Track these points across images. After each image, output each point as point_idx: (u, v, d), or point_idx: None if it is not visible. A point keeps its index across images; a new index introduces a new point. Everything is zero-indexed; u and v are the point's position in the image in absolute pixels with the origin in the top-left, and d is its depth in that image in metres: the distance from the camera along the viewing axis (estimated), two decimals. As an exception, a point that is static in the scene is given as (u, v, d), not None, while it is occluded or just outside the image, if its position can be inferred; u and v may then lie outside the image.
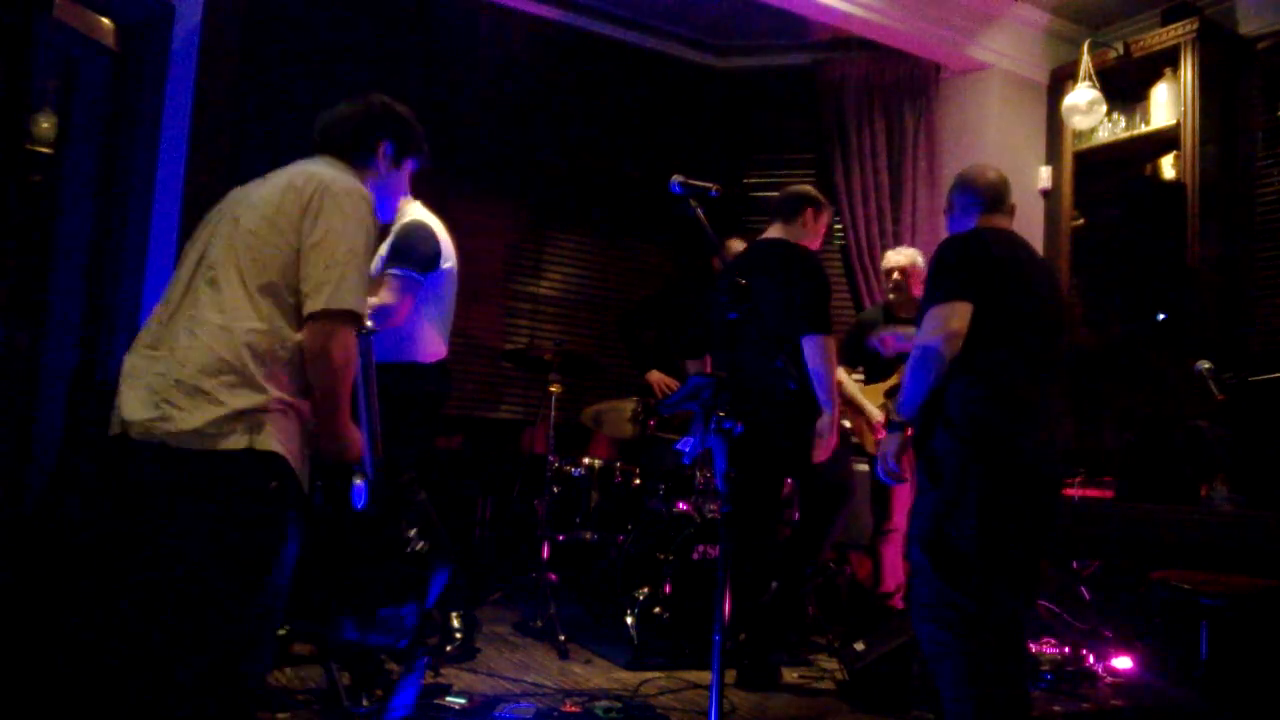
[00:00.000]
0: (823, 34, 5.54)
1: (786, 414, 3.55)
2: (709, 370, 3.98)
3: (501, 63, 5.38)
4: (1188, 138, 4.47)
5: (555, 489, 4.31)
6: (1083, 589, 4.08)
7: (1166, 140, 4.62)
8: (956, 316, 2.46)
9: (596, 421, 4.58)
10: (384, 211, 2.22)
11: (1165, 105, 4.64)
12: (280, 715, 2.85)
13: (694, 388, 2.98)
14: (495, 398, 5.41)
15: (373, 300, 3.19)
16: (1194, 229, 4.41)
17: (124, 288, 3.47)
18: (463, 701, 3.00)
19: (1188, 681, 3.46)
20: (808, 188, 3.93)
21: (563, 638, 3.84)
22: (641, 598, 3.80)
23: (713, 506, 4.05)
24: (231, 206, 1.95)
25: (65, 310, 3.32)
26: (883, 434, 4.04)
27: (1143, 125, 4.77)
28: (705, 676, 3.08)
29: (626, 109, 5.80)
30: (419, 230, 3.35)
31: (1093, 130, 4.89)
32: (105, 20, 3.39)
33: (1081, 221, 4.96)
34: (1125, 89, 4.82)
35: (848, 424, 4.33)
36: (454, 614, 3.63)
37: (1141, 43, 4.72)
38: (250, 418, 1.78)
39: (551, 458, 4.23)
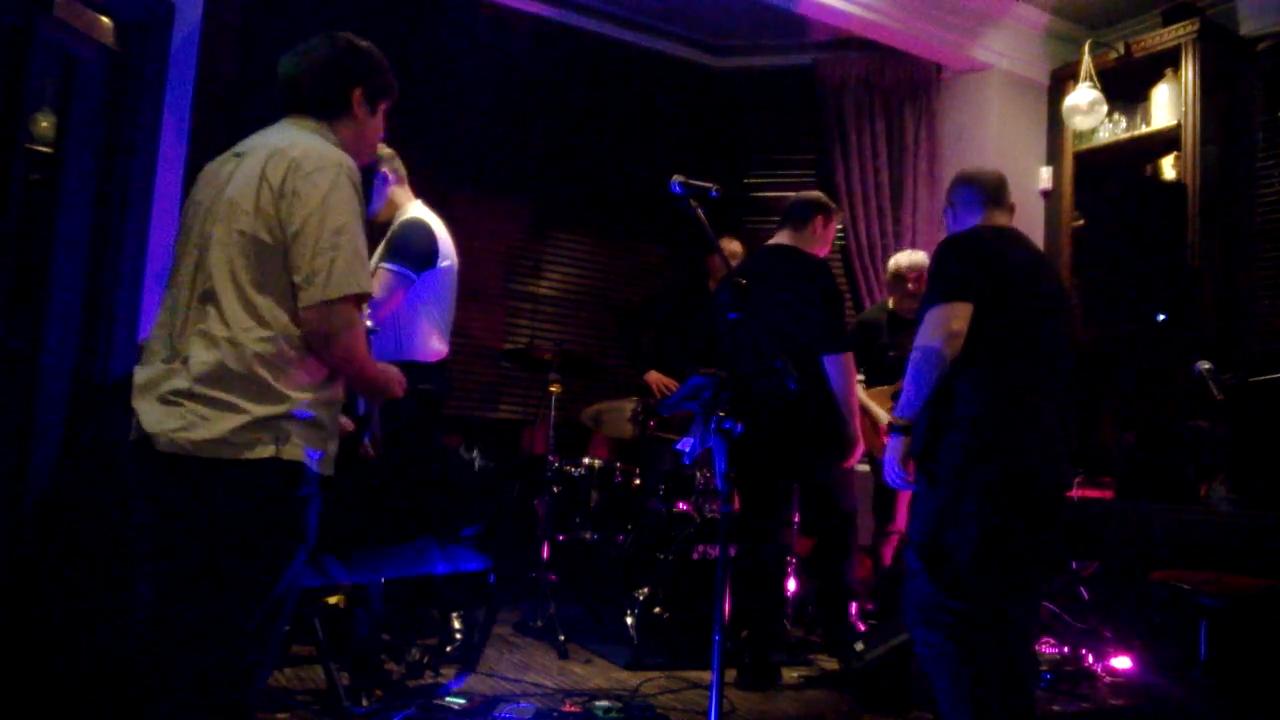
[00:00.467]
0: (823, 34, 5.54)
1: (792, 416, 3.56)
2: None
3: (502, 62, 5.39)
4: (1188, 138, 4.47)
5: (555, 489, 4.31)
6: (1082, 589, 4.08)
7: (1167, 141, 4.62)
8: (957, 317, 2.44)
9: (596, 421, 4.58)
10: (363, 156, 2.10)
11: (1166, 106, 4.64)
12: (280, 715, 2.85)
13: (694, 388, 2.98)
14: (495, 397, 5.41)
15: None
16: (1194, 229, 4.42)
17: (124, 287, 3.46)
18: (463, 701, 3.00)
19: (1187, 681, 3.47)
20: (819, 195, 3.94)
21: (562, 638, 3.84)
22: (641, 598, 3.80)
23: (713, 506, 4.05)
24: (217, 203, 1.87)
25: (65, 309, 3.31)
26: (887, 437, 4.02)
27: (1143, 126, 4.77)
28: (705, 676, 3.09)
29: (627, 109, 5.79)
30: (415, 228, 3.36)
31: (1093, 131, 4.89)
32: (105, 19, 3.38)
33: (1082, 222, 4.96)
34: (1126, 89, 4.81)
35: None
36: (455, 615, 3.63)
37: (1142, 43, 4.72)
38: (275, 426, 1.77)
39: (551, 457, 4.23)
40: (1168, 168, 4.66)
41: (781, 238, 3.83)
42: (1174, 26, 4.57)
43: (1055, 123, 5.06)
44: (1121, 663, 3.77)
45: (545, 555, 4.11)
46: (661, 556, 3.87)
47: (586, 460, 4.44)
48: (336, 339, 1.82)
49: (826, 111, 5.61)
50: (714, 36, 5.91)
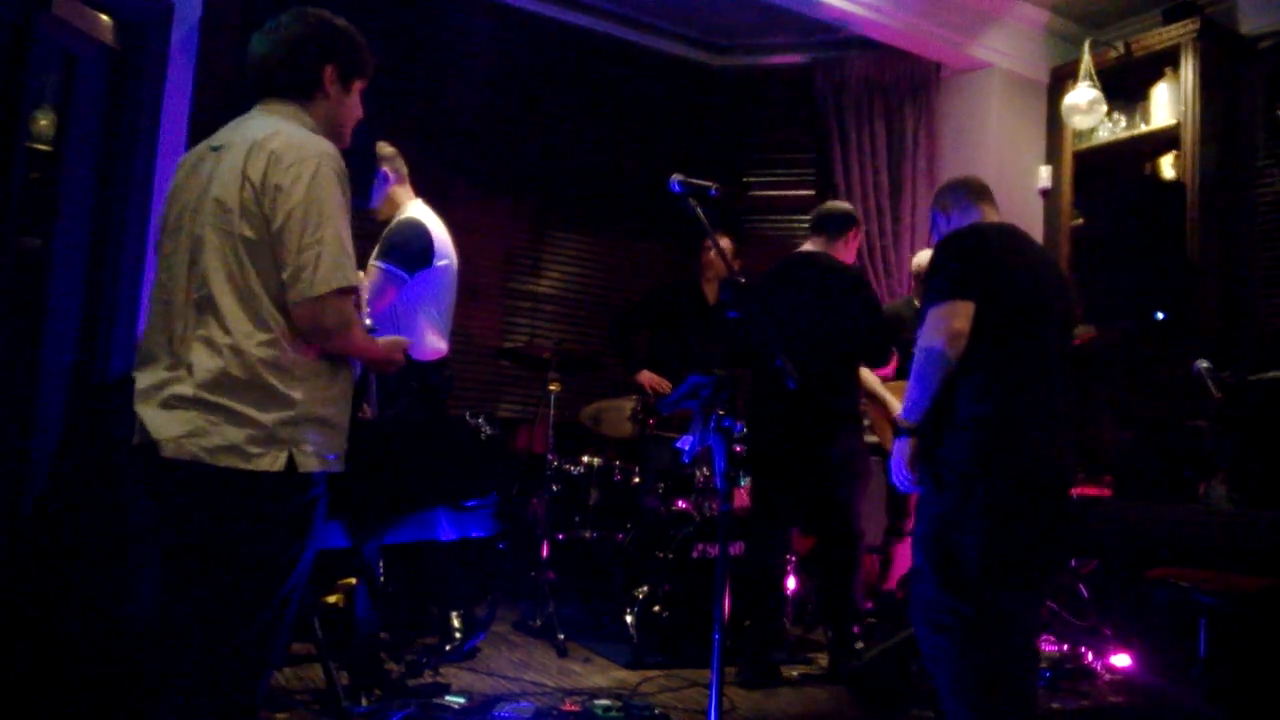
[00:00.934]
0: (822, 33, 5.54)
1: (821, 425, 3.65)
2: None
3: (501, 61, 5.38)
4: (1188, 137, 4.48)
5: (555, 487, 4.31)
6: (1081, 587, 4.08)
7: (1167, 140, 4.62)
8: (959, 316, 2.42)
9: (596, 420, 4.58)
10: (340, 138, 2.05)
11: (1165, 105, 4.64)
12: (279, 715, 2.85)
13: (693, 386, 2.98)
14: (494, 396, 5.41)
15: (365, 292, 3.20)
16: (1194, 228, 4.42)
17: (123, 286, 3.47)
18: (462, 700, 3.00)
19: (1186, 679, 3.47)
20: (849, 206, 4.06)
21: (562, 636, 3.84)
22: (641, 596, 3.80)
23: (712, 505, 4.05)
24: (203, 203, 1.83)
25: (64, 309, 3.31)
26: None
27: (1143, 125, 4.77)
28: (705, 675, 3.09)
29: (626, 108, 5.79)
30: (410, 227, 3.37)
31: (1093, 130, 4.89)
32: (104, 17, 3.38)
33: (1081, 221, 4.96)
34: (1125, 88, 4.81)
35: (874, 438, 4.32)
36: (454, 613, 3.63)
37: (1142, 42, 4.72)
38: (285, 434, 1.77)
39: (551, 456, 4.23)
40: (1167, 167, 4.66)
41: (815, 245, 3.88)
42: (1174, 25, 4.57)
43: (1055, 122, 5.06)
44: (1121, 660, 3.77)
45: (544, 554, 4.11)
46: (661, 555, 3.87)
47: (586, 459, 4.44)
48: (329, 333, 1.81)
49: (826, 110, 5.60)
50: (713, 35, 5.91)
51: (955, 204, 2.77)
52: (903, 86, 5.46)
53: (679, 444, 3.59)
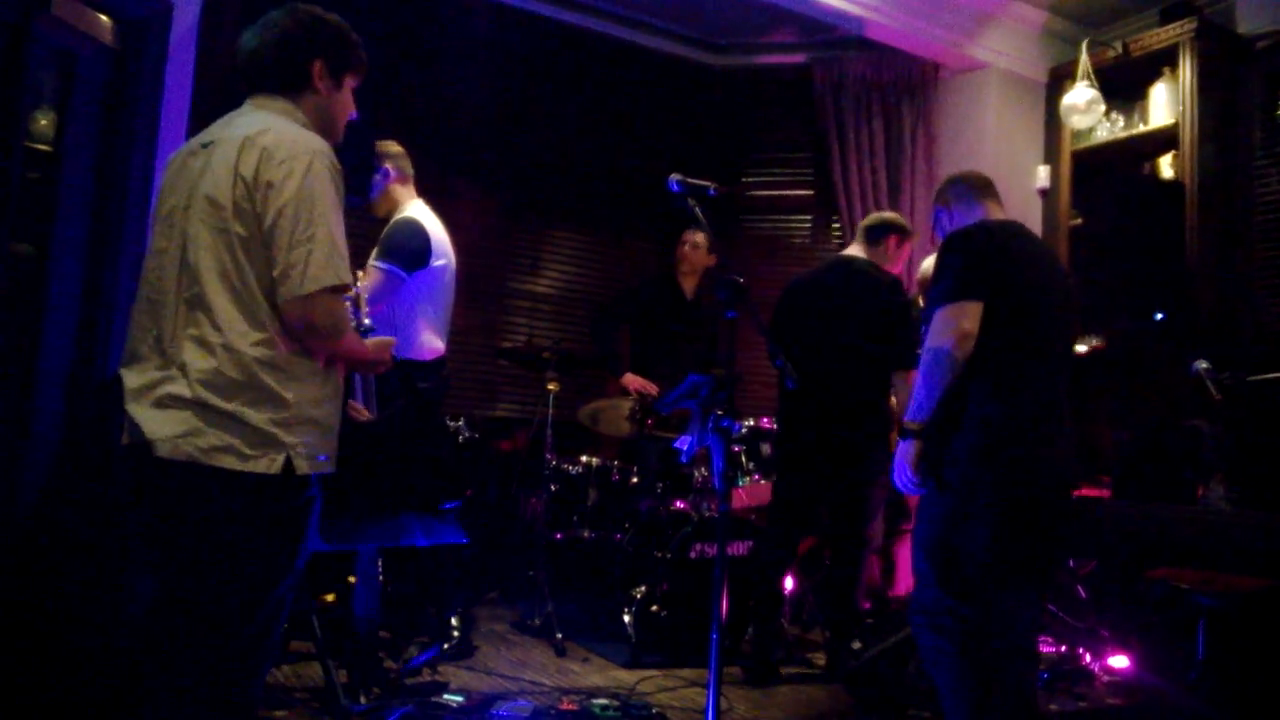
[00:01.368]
0: (821, 32, 5.54)
1: (849, 427, 3.71)
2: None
3: (499, 60, 5.38)
4: (1186, 137, 4.47)
5: (553, 487, 4.32)
6: (1080, 587, 4.08)
7: (1165, 140, 4.62)
8: (967, 317, 2.38)
9: (594, 420, 4.58)
10: (332, 134, 2.03)
11: (1164, 105, 4.64)
12: (278, 713, 2.85)
13: (692, 386, 2.98)
14: (492, 396, 5.41)
15: (365, 291, 3.20)
16: (1192, 228, 4.41)
17: (122, 286, 3.46)
18: (460, 699, 3.01)
19: (1184, 680, 3.46)
20: (896, 216, 4.10)
21: (560, 636, 3.85)
22: (639, 596, 3.80)
23: (710, 505, 4.05)
24: (194, 200, 1.82)
25: (63, 307, 3.31)
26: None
27: (1141, 125, 4.77)
28: (703, 675, 3.09)
29: (624, 107, 5.79)
30: (407, 226, 3.38)
31: (1091, 129, 4.89)
32: (103, 17, 3.38)
33: (1080, 221, 4.96)
34: (1124, 88, 4.81)
35: None
36: (452, 616, 3.64)
37: (1140, 42, 4.71)
38: (280, 434, 1.75)
39: (549, 456, 4.24)
40: (1165, 167, 4.66)
41: (855, 250, 3.95)
42: (1172, 25, 4.57)
43: (1053, 121, 5.06)
44: (1119, 662, 3.76)
45: (543, 554, 4.11)
46: (659, 555, 3.87)
47: (584, 458, 4.44)
48: (320, 332, 1.80)
49: (824, 110, 5.60)
50: (712, 34, 5.91)
51: (958, 200, 2.75)
52: (901, 86, 5.47)
53: (677, 444, 3.61)
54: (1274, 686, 3.23)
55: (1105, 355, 4.66)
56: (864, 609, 3.90)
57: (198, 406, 1.73)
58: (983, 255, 2.47)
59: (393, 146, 3.51)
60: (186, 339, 1.76)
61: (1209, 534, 3.42)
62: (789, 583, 4.20)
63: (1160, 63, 4.64)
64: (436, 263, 3.41)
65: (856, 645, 3.46)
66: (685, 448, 3.44)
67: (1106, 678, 3.73)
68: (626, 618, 3.80)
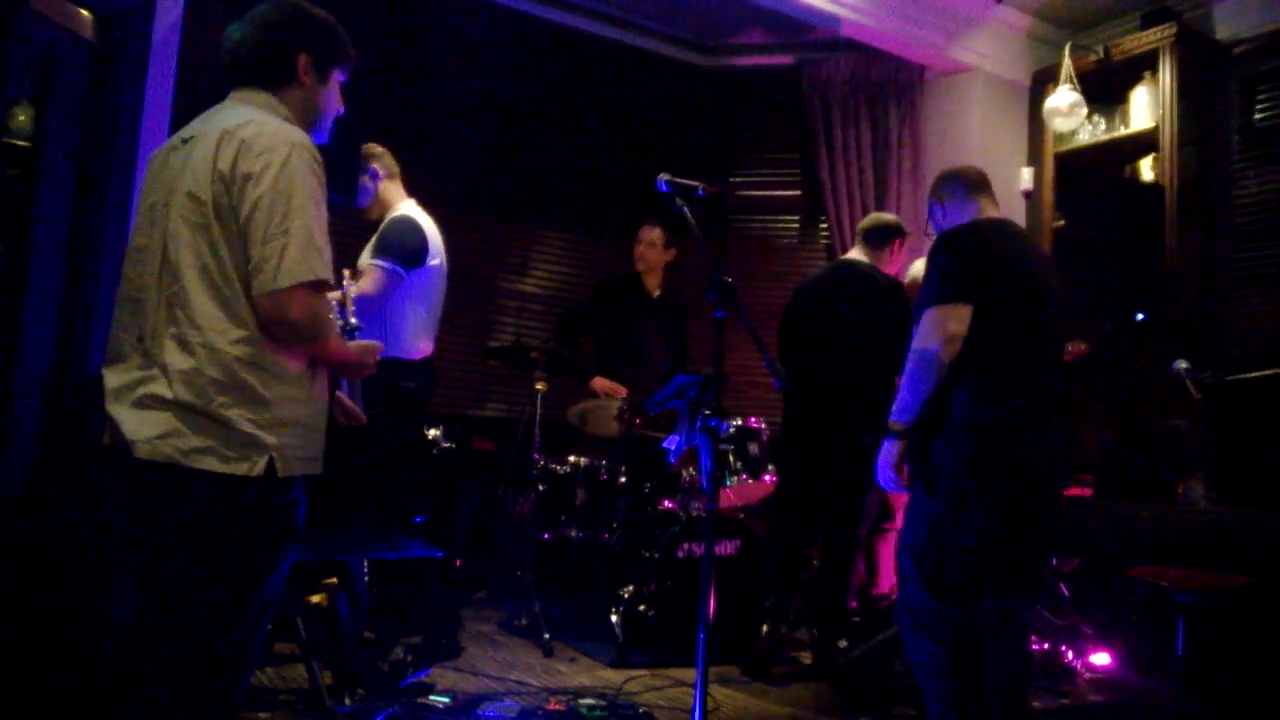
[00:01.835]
0: (809, 34, 5.56)
1: (851, 429, 3.73)
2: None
3: (490, 60, 5.37)
4: (1166, 140, 4.52)
5: (540, 487, 4.30)
6: (1062, 586, 4.11)
7: (1146, 142, 4.66)
8: (955, 319, 2.37)
9: (582, 420, 4.57)
10: (318, 133, 1.99)
11: (1144, 108, 4.69)
12: (262, 715, 2.83)
13: (680, 386, 2.99)
14: (481, 395, 5.40)
15: (353, 290, 3.17)
16: (1172, 230, 4.46)
17: (103, 285, 3.42)
18: (447, 700, 2.99)
19: (1164, 676, 3.50)
20: (897, 219, 4.11)
21: (547, 636, 3.84)
22: (626, 596, 3.80)
23: (698, 504, 4.06)
24: (174, 197, 1.78)
25: (42, 307, 3.27)
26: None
27: (1122, 128, 4.81)
28: (690, 674, 3.10)
29: (614, 107, 5.79)
30: (405, 224, 3.36)
31: (1073, 132, 4.93)
32: (84, 11, 3.34)
33: (1062, 222, 5.01)
34: (1105, 92, 4.86)
35: None
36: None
37: (1121, 46, 4.76)
38: (266, 436, 1.72)
39: (537, 455, 4.22)
40: (1146, 169, 4.71)
41: (857, 254, 3.97)
42: (1152, 30, 4.62)
43: (1036, 124, 5.11)
44: (1100, 659, 3.80)
45: (530, 554, 4.10)
46: (647, 555, 3.87)
47: (572, 458, 4.43)
48: (296, 329, 1.75)
49: (812, 111, 5.63)
50: (701, 36, 5.92)
51: (951, 196, 2.72)
52: (887, 88, 5.50)
53: (665, 444, 3.61)
54: (1252, 682, 3.27)
55: (1087, 355, 4.70)
56: (851, 608, 3.93)
57: (178, 407, 1.69)
58: (972, 256, 2.45)
59: (375, 147, 3.49)
60: (167, 338, 1.73)
61: (1189, 532, 3.45)
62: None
63: (1141, 67, 4.69)
64: (432, 261, 3.40)
65: (843, 643, 3.47)
66: (673, 447, 3.45)
67: (1088, 675, 3.77)
68: (614, 618, 3.79)
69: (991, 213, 2.67)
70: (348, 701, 2.87)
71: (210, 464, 1.69)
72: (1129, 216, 4.58)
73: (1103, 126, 4.90)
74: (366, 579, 3.46)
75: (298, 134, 1.82)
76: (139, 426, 1.70)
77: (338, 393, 2.33)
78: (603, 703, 3.10)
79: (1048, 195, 5.02)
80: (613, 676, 3.54)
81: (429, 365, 3.52)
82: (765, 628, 3.81)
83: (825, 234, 5.68)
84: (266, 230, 1.71)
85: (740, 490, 4.29)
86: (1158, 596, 3.45)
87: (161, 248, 1.77)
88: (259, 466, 1.72)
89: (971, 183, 2.70)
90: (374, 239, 3.36)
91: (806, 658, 4.00)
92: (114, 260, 3.45)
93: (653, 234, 4.79)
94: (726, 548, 3.91)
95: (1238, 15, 4.64)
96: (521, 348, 4.39)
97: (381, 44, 4.88)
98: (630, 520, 4.16)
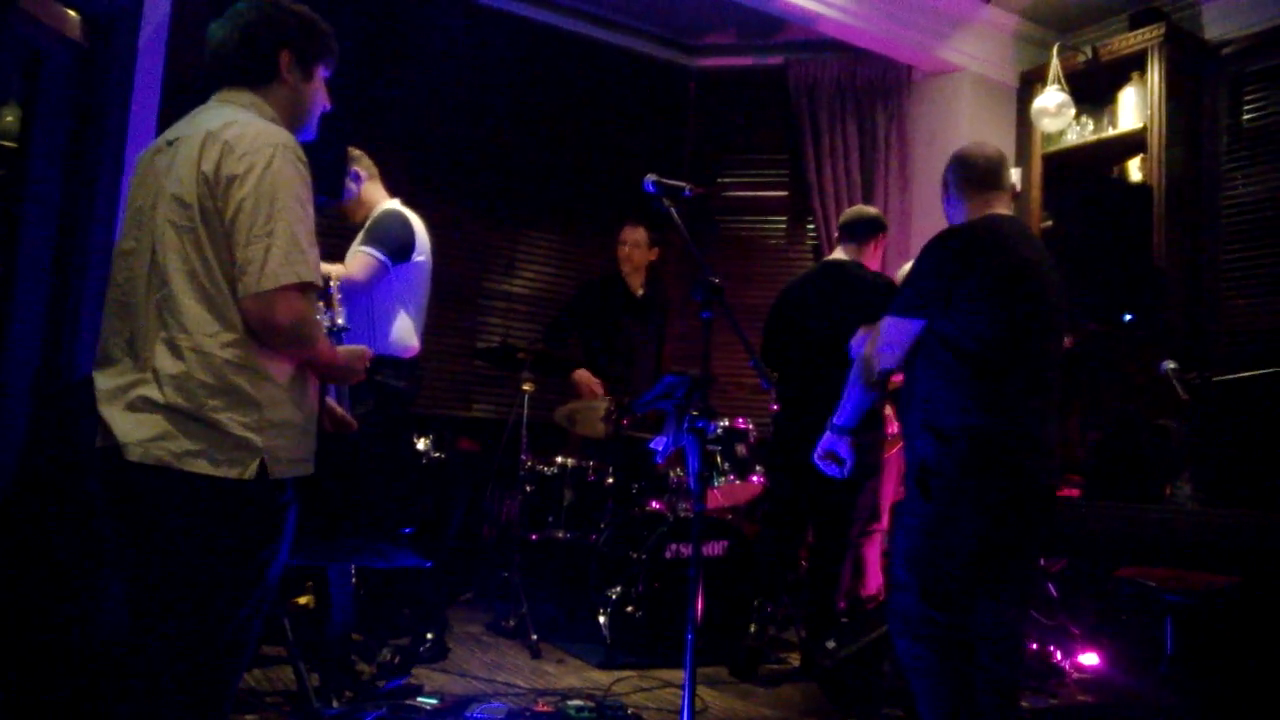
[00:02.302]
0: (796, 35, 5.57)
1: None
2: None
3: (477, 60, 5.36)
4: (1154, 141, 4.54)
5: (528, 488, 4.30)
6: (1050, 586, 4.12)
7: (1134, 143, 4.68)
8: (908, 336, 2.39)
9: (569, 420, 4.57)
10: (304, 130, 1.97)
11: (1132, 108, 4.71)
12: (248, 717, 2.82)
13: (667, 386, 2.99)
14: (468, 397, 5.39)
15: (338, 270, 3.17)
16: (1160, 231, 4.48)
17: (90, 287, 3.41)
18: (434, 702, 2.99)
19: (1153, 676, 3.50)
20: (878, 212, 4.11)
21: (535, 637, 3.83)
22: (614, 597, 3.80)
23: (685, 505, 4.06)
24: (160, 199, 1.78)
25: (29, 309, 3.26)
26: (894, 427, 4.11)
27: (1110, 128, 4.83)
28: (678, 675, 3.10)
29: (601, 107, 5.79)
30: (396, 217, 3.37)
31: (1061, 133, 4.95)
32: (71, 12, 3.33)
33: (1050, 223, 5.01)
34: (1093, 92, 4.87)
35: None
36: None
37: (1109, 47, 4.77)
38: (256, 438, 1.72)
39: (524, 456, 4.22)
40: (1134, 170, 4.72)
41: (845, 253, 3.97)
42: (1140, 31, 4.63)
43: (1024, 125, 5.11)
44: (1089, 659, 3.80)
45: (517, 555, 4.10)
46: (634, 556, 3.87)
47: (559, 459, 4.43)
48: (281, 331, 1.73)
49: (799, 112, 5.63)
50: (688, 36, 5.93)
51: (954, 186, 2.60)
52: (875, 89, 5.50)
53: (652, 444, 3.61)
54: (1240, 681, 3.27)
55: (1072, 349, 4.71)
56: (839, 609, 3.93)
57: (168, 410, 1.69)
58: (949, 268, 2.38)
59: (353, 150, 3.50)
60: (158, 341, 1.72)
61: (1176, 532, 3.46)
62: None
63: (1129, 67, 4.70)
64: (418, 258, 3.41)
65: (831, 644, 3.48)
66: (660, 448, 3.45)
67: (1077, 675, 3.77)
68: (602, 619, 3.80)
69: (997, 208, 2.55)
70: (335, 703, 2.87)
71: (202, 467, 1.69)
72: (1117, 217, 4.58)
73: (1091, 127, 4.91)
74: (354, 581, 3.46)
75: (282, 134, 1.81)
76: (131, 429, 1.70)
77: (328, 399, 2.32)
78: (590, 704, 3.10)
79: (1035, 196, 5.03)
80: (600, 677, 3.54)
81: (416, 364, 3.52)
82: (754, 627, 3.82)
83: (812, 235, 5.69)
84: (250, 232, 1.70)
85: (727, 491, 4.29)
86: (1146, 596, 3.45)
87: (150, 250, 1.77)
88: (250, 469, 1.72)
89: (975, 177, 2.57)
90: (363, 230, 3.36)
91: (794, 659, 4.01)
92: (101, 262, 3.44)
93: (636, 234, 4.81)
94: (714, 548, 3.92)
95: (1226, 16, 4.66)
96: (508, 348, 4.39)
97: (366, 44, 4.87)
98: (618, 521, 4.16)
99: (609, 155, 5.75)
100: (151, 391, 1.70)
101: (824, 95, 5.57)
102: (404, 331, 3.41)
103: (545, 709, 3.04)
